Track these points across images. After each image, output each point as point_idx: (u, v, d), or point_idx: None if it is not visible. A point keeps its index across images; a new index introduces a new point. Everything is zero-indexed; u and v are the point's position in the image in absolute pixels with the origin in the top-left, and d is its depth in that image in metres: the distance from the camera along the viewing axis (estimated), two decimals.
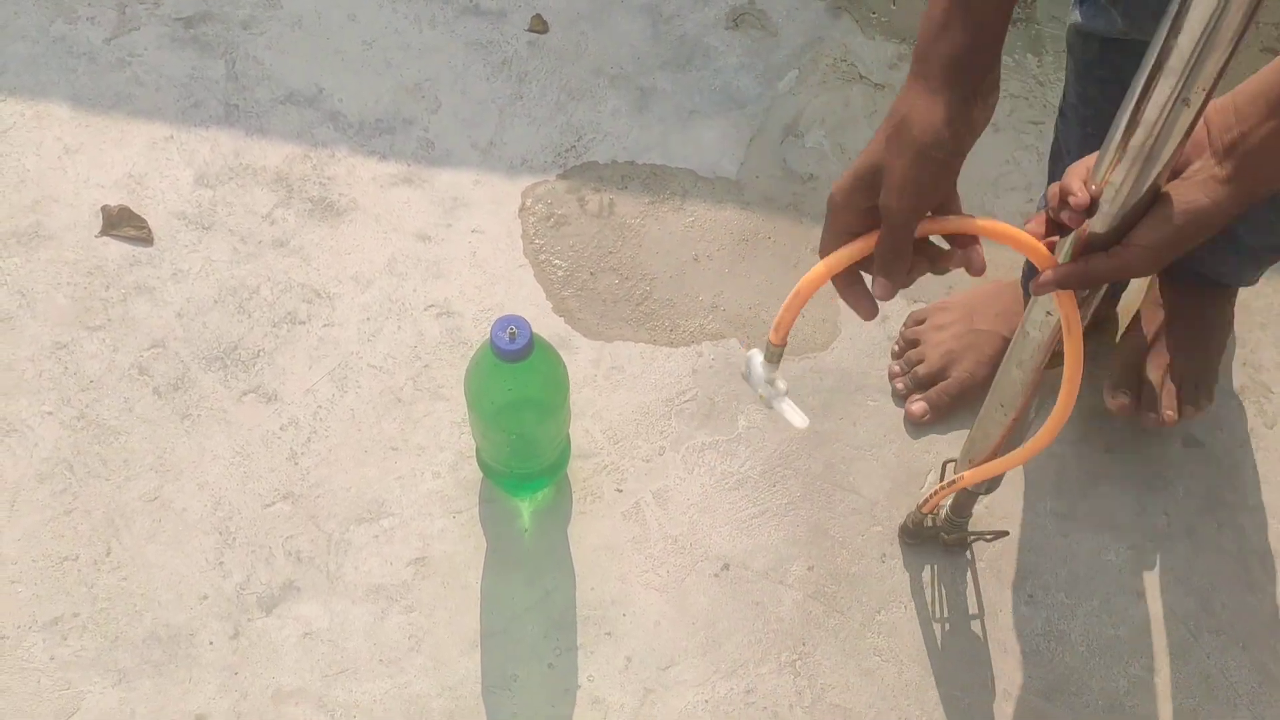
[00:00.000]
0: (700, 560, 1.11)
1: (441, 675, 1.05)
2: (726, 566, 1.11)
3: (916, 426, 1.18)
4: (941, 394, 1.17)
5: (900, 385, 1.19)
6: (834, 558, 1.11)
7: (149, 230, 1.22)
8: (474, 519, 1.11)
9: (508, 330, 0.86)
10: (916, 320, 1.21)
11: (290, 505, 1.10)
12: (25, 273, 1.19)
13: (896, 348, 1.21)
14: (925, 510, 1.05)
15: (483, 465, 1.09)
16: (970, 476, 0.94)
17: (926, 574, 1.11)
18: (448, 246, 1.24)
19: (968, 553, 1.12)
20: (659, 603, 1.09)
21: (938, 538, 1.10)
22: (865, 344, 1.21)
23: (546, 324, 1.20)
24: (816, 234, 1.28)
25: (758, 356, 0.77)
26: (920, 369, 1.18)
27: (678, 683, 1.06)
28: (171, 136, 1.27)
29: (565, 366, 0.96)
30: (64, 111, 1.27)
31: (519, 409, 0.94)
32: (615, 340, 1.20)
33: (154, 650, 1.04)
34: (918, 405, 1.17)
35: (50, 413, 1.13)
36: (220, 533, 1.09)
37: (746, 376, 0.78)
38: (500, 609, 1.08)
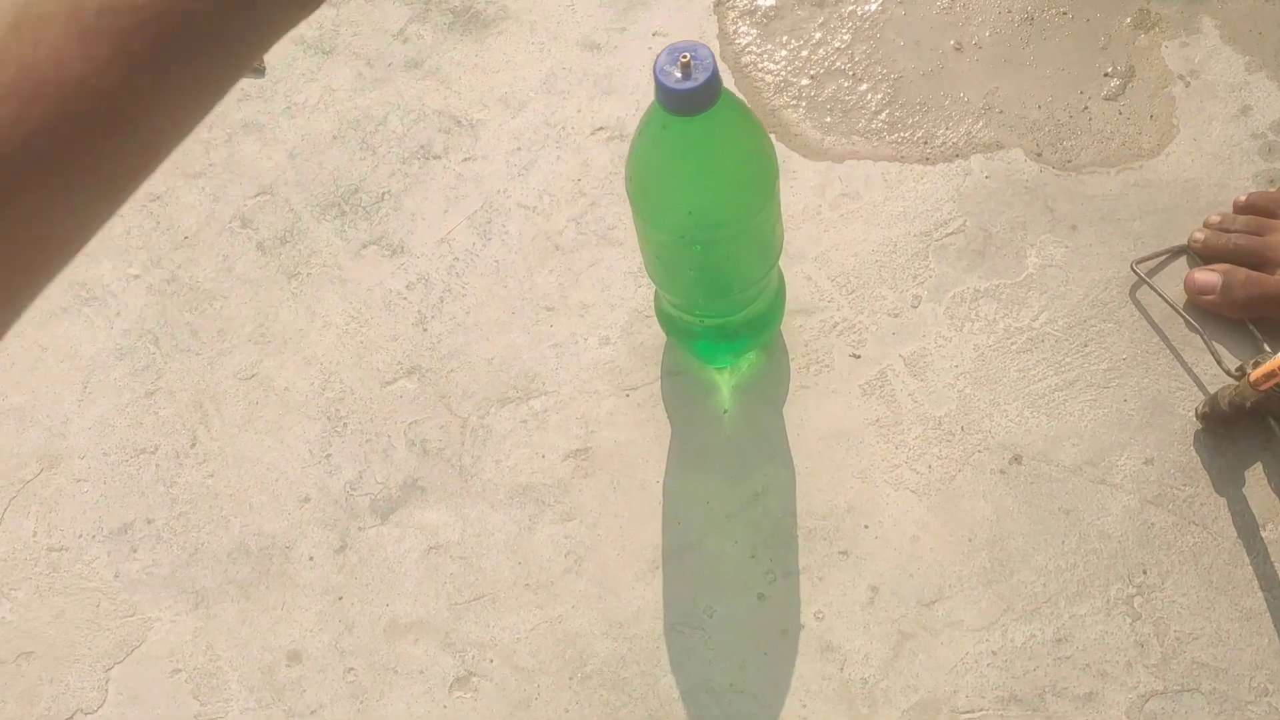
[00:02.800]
0: (977, 451, 0.77)
1: (609, 607, 0.75)
2: (1017, 459, 0.76)
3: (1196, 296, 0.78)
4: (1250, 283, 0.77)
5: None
6: (1186, 447, 0.75)
7: (261, 60, 0.99)
8: (654, 397, 0.81)
9: (678, 60, 0.55)
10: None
11: (416, 382, 0.84)
12: None
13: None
14: (1263, 389, 0.68)
15: (664, 318, 0.79)
16: None
17: None
18: (621, 55, 0.94)
19: None
20: (918, 510, 0.75)
21: (1263, 421, 0.72)
22: (1216, 144, 0.83)
23: None
24: (1140, 1, 0.90)
25: None
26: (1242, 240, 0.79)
27: (949, 625, 0.72)
28: None
29: (769, 136, 0.64)
30: None
31: (705, 194, 0.63)
32: (846, 159, 0.87)
33: (240, 566, 0.80)
34: (1206, 276, 0.78)
35: (137, 275, 0.91)
36: (329, 418, 0.84)
37: None
38: (691, 518, 0.77)
